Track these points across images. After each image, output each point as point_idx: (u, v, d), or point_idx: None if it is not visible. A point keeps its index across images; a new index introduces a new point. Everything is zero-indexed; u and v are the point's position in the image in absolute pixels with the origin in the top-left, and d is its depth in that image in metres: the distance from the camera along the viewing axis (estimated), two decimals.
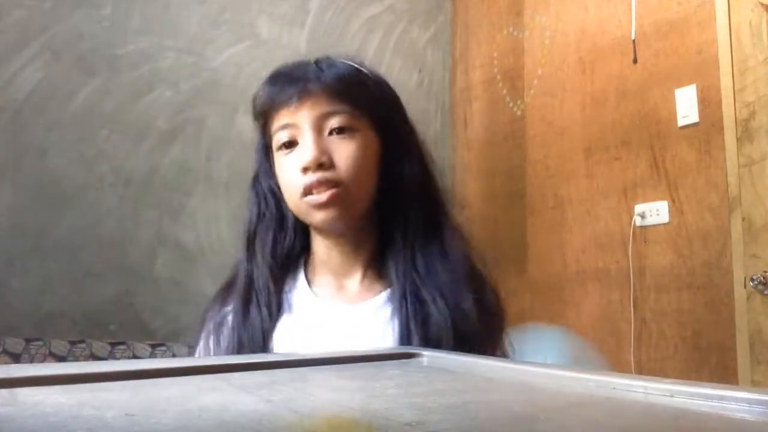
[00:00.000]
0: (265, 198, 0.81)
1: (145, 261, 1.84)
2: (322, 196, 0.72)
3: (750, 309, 1.61)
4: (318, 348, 0.71)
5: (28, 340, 1.64)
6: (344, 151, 0.73)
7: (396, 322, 0.72)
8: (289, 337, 0.74)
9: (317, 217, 0.74)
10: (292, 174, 0.74)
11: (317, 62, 0.79)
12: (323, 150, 0.73)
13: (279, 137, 0.76)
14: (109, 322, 1.76)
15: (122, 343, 1.76)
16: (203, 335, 0.80)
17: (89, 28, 1.84)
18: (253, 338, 0.74)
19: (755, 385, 1.58)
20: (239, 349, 0.74)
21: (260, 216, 0.81)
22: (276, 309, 0.76)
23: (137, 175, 1.86)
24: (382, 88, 0.82)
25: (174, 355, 1.78)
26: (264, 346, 0.73)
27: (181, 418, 0.27)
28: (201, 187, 1.96)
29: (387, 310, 0.74)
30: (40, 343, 1.65)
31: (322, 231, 0.77)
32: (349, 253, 0.78)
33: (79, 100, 1.80)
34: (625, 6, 2.00)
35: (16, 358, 1.61)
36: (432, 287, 0.73)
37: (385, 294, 0.75)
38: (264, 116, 0.80)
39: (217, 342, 0.77)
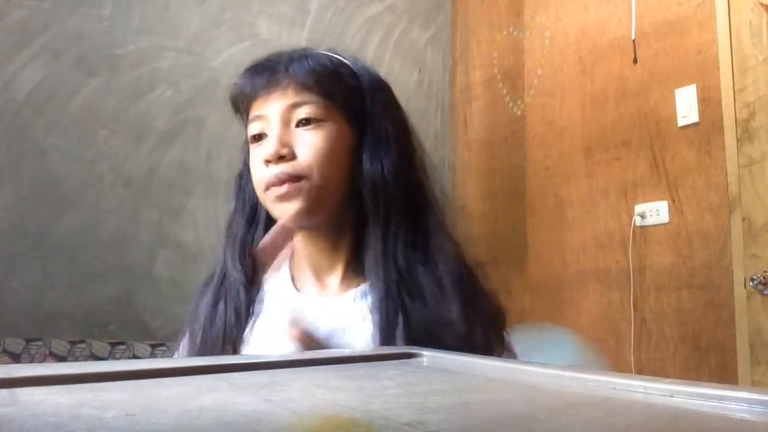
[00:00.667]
0: (243, 192, 0.81)
1: (145, 261, 1.84)
2: (281, 188, 0.71)
3: (750, 309, 1.61)
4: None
5: (28, 340, 1.64)
6: (308, 143, 0.72)
7: (373, 316, 0.70)
8: (266, 330, 0.73)
9: (278, 211, 0.73)
10: (258, 167, 0.74)
11: (290, 54, 0.77)
12: (284, 142, 0.72)
13: (250, 129, 0.76)
14: (109, 322, 1.76)
15: (122, 343, 1.76)
16: (185, 336, 0.81)
17: (89, 28, 1.84)
18: (217, 336, 0.73)
19: (755, 385, 1.58)
20: (203, 346, 0.73)
21: (236, 210, 0.80)
22: (246, 306, 0.74)
23: (137, 175, 1.86)
24: (363, 79, 0.79)
25: (174, 355, 1.78)
26: (224, 345, 0.72)
27: (181, 418, 0.27)
28: (201, 187, 1.96)
29: (363, 304, 0.72)
30: (40, 343, 1.65)
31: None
32: (328, 249, 0.77)
33: (79, 100, 1.80)
34: (625, 6, 2.00)
35: (16, 358, 1.61)
36: (412, 285, 0.71)
37: (360, 288, 0.74)
38: (238, 109, 0.79)
39: (192, 336, 0.77)
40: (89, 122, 1.81)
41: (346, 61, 0.79)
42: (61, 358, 1.67)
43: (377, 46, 2.42)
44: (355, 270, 0.76)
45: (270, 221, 0.77)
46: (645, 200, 1.89)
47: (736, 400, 0.29)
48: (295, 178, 0.71)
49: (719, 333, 1.68)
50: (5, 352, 1.60)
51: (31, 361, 1.62)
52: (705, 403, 0.30)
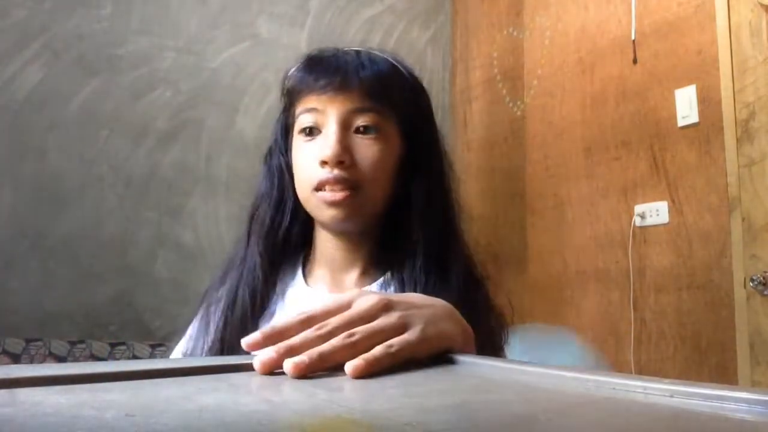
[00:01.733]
0: (272, 176, 0.79)
1: (145, 261, 1.84)
2: (337, 194, 0.70)
3: (750, 309, 1.61)
4: None
5: (28, 340, 1.64)
6: (367, 152, 0.71)
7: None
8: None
9: (326, 214, 0.72)
10: (309, 164, 0.72)
11: (358, 54, 0.76)
12: (346, 147, 0.70)
13: (303, 120, 0.74)
14: (109, 322, 1.76)
15: (122, 343, 1.76)
16: (197, 315, 0.80)
17: (89, 28, 1.84)
18: (239, 320, 0.73)
19: (755, 385, 1.58)
20: (224, 330, 0.73)
21: (264, 195, 0.79)
22: (264, 295, 0.74)
23: (137, 175, 1.86)
24: (418, 93, 0.80)
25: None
26: (243, 330, 0.71)
27: (181, 418, 0.27)
28: (201, 187, 1.96)
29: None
30: (40, 343, 1.65)
31: (327, 227, 0.76)
32: (350, 250, 0.77)
33: (79, 100, 1.80)
34: (625, 6, 2.00)
35: (16, 358, 1.61)
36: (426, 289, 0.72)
37: (377, 282, 0.74)
38: (291, 95, 0.77)
39: (207, 323, 0.77)
40: (89, 122, 1.81)
41: (405, 71, 0.79)
42: (61, 359, 1.67)
43: (377, 47, 2.41)
44: (372, 270, 0.76)
45: (299, 214, 0.77)
46: (645, 200, 1.89)
47: (736, 400, 0.29)
48: (350, 186, 0.70)
49: (719, 333, 1.68)
50: (5, 352, 1.60)
51: (31, 361, 1.62)
52: (705, 403, 0.30)
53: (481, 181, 2.47)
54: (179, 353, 0.82)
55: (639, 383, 0.33)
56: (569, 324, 2.01)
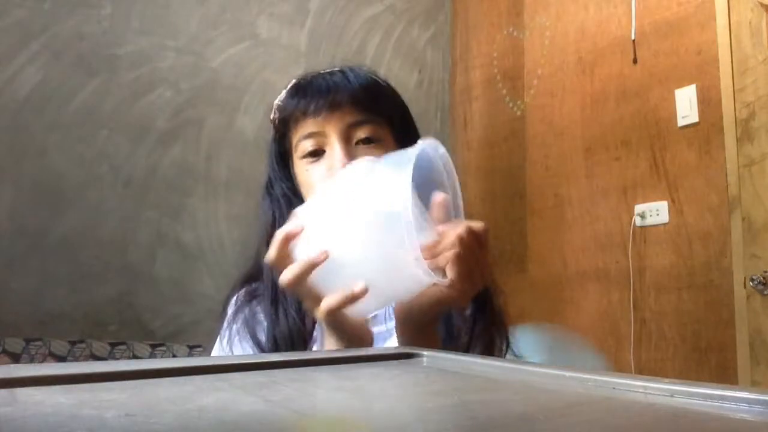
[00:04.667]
0: (279, 203, 0.81)
1: (145, 261, 1.84)
2: None
3: (750, 309, 1.61)
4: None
5: (28, 340, 1.64)
6: None
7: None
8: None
9: None
10: (319, 183, 0.74)
11: (343, 72, 0.79)
12: (352, 159, 0.72)
13: (304, 146, 0.76)
14: (109, 322, 1.76)
15: (122, 343, 1.76)
16: (228, 325, 0.80)
17: (89, 28, 1.84)
18: (286, 339, 0.74)
19: (755, 385, 1.58)
20: (275, 348, 0.75)
21: (275, 222, 0.80)
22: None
23: (137, 175, 1.86)
24: (397, 98, 0.83)
25: (174, 355, 1.78)
26: (293, 343, 0.74)
27: (181, 418, 0.27)
28: (201, 187, 1.96)
29: (389, 324, 0.76)
30: (40, 343, 1.65)
31: None
32: None
33: (79, 100, 1.80)
34: (625, 6, 2.01)
35: (16, 358, 1.61)
36: None
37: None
38: (285, 124, 0.79)
39: (253, 334, 0.77)
40: (89, 122, 1.81)
41: (383, 81, 0.82)
42: (61, 358, 1.67)
43: (377, 46, 2.42)
44: None
45: None
46: (645, 200, 1.89)
47: (736, 400, 0.29)
48: None
49: (719, 333, 1.68)
50: (5, 352, 1.60)
51: (31, 361, 1.62)
52: (705, 403, 0.30)
53: (481, 181, 2.47)
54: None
55: (639, 383, 0.33)
56: (569, 324, 2.01)
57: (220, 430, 0.26)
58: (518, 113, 2.35)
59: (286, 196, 0.80)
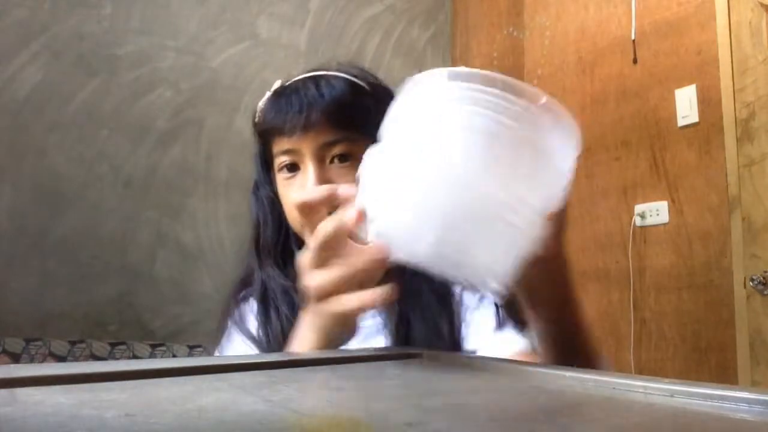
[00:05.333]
0: (263, 206, 0.82)
1: (145, 261, 1.84)
2: None
3: (750, 309, 1.61)
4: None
5: (28, 340, 1.64)
6: (346, 180, 0.73)
7: (383, 334, 0.73)
8: None
9: None
10: (294, 201, 0.74)
11: (317, 83, 0.77)
12: (325, 181, 0.73)
13: (281, 160, 0.77)
14: (109, 322, 1.76)
15: (122, 343, 1.76)
16: (223, 328, 0.81)
17: (89, 28, 1.84)
18: (279, 339, 0.74)
19: (755, 385, 1.58)
20: (267, 348, 0.75)
21: (262, 224, 0.82)
22: (297, 307, 0.76)
23: (137, 175, 1.86)
24: (383, 102, 0.81)
25: (174, 355, 1.78)
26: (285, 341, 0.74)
27: (181, 418, 0.27)
28: (201, 187, 1.96)
29: (377, 320, 0.75)
30: (40, 343, 1.65)
31: None
32: None
33: (79, 100, 1.80)
34: (625, 6, 2.01)
35: (16, 358, 1.61)
36: (414, 302, 0.74)
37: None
38: (264, 136, 0.81)
39: (248, 335, 0.78)
40: (89, 122, 1.81)
41: (366, 83, 0.79)
42: (61, 358, 1.67)
43: (377, 46, 2.41)
44: None
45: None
46: (645, 200, 1.89)
47: (736, 400, 0.29)
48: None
49: (719, 333, 1.68)
50: (5, 352, 1.60)
51: (31, 361, 1.62)
52: (705, 403, 0.30)
53: None
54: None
55: (639, 383, 0.33)
56: None
57: (220, 430, 0.26)
58: None
59: (270, 198, 0.81)
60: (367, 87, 0.79)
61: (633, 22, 1.96)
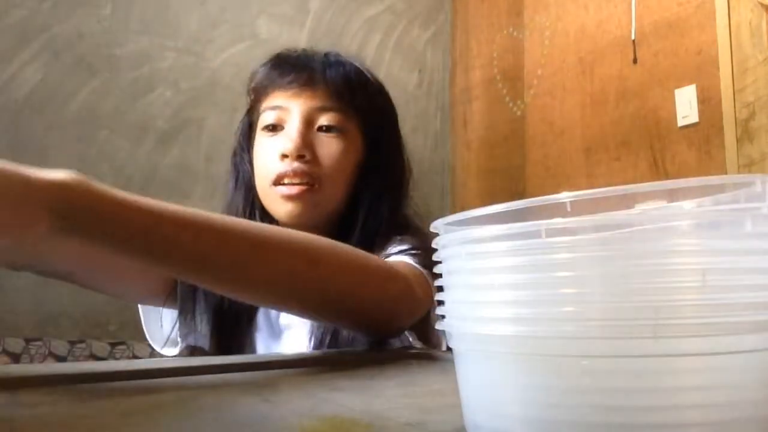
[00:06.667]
0: (237, 174, 0.80)
1: None
2: (294, 189, 0.70)
3: None
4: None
5: (28, 340, 1.64)
6: (328, 150, 0.72)
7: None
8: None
9: (282, 209, 0.72)
10: (270, 158, 0.72)
11: (326, 55, 0.77)
12: (308, 142, 0.71)
13: (266, 117, 0.75)
14: (109, 322, 1.76)
15: (122, 343, 1.76)
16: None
17: (89, 28, 1.84)
18: (232, 314, 0.74)
19: None
20: (215, 330, 0.74)
21: (234, 190, 0.80)
22: None
23: (137, 175, 1.86)
24: (382, 97, 0.80)
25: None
26: (238, 323, 0.73)
27: (182, 418, 0.27)
28: (201, 187, 1.96)
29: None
30: (40, 343, 1.65)
31: (282, 224, 0.74)
32: None
33: (79, 100, 1.80)
34: (625, 6, 2.01)
35: (16, 358, 1.61)
36: None
37: None
38: (257, 93, 0.78)
39: (189, 319, 0.78)
40: (89, 122, 1.81)
41: (371, 77, 0.79)
42: (61, 358, 1.67)
43: (377, 46, 2.42)
44: None
45: (264, 207, 0.76)
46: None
47: None
48: (309, 181, 0.71)
49: None
50: (5, 352, 1.60)
51: (31, 361, 1.62)
52: None
53: (481, 181, 2.47)
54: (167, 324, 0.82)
55: None
56: None
57: (220, 430, 0.26)
58: (518, 113, 2.35)
59: (245, 167, 0.79)
60: (370, 77, 0.79)
61: (633, 22, 1.96)
